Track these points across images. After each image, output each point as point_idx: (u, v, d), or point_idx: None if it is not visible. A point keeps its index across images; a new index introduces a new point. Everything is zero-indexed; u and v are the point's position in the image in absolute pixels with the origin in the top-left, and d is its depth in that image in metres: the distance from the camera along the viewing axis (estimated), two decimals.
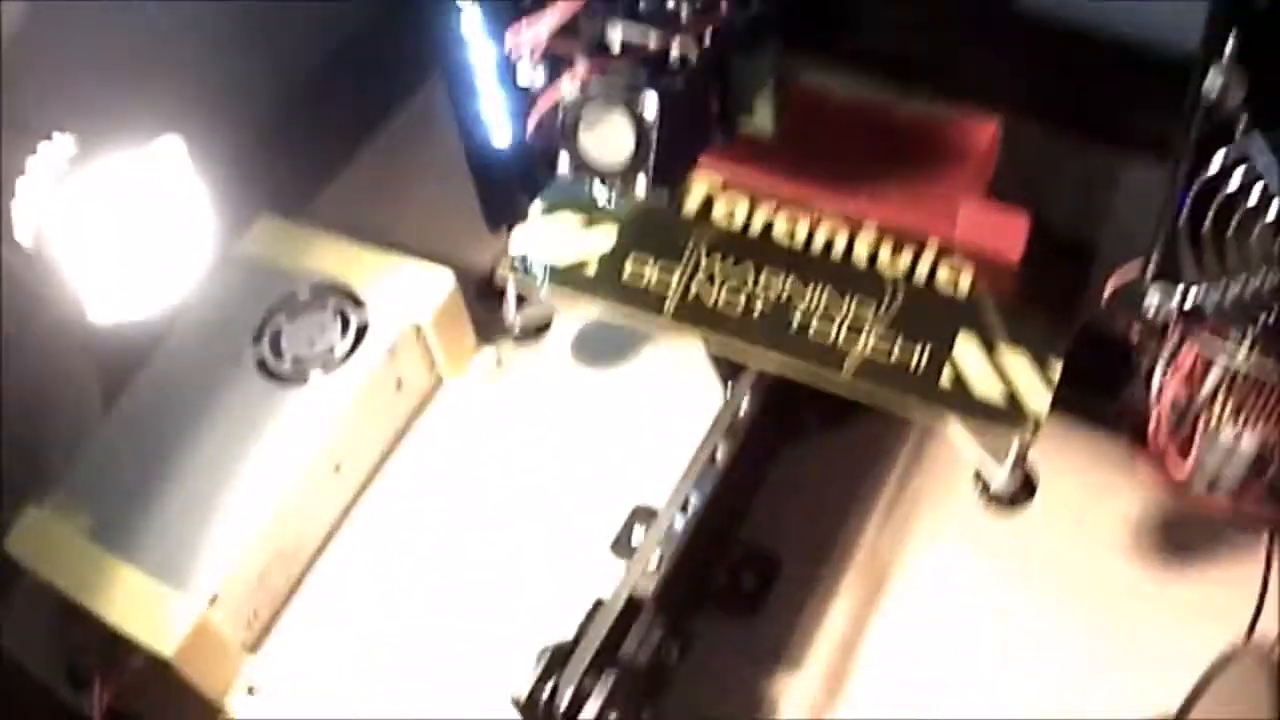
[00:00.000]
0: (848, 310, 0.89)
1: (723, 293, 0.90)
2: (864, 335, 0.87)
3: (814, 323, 0.89)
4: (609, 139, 0.78)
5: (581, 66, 0.77)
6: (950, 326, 0.87)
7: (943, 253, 0.91)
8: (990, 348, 0.86)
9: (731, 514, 0.94)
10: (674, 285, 0.91)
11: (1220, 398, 0.80)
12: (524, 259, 0.95)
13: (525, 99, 1.01)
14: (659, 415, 1.04)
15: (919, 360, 0.86)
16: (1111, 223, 0.95)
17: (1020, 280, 0.89)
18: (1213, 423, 0.82)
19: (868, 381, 0.86)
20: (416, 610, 0.96)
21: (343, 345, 1.00)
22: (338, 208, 1.19)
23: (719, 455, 0.91)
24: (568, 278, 0.94)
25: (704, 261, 0.92)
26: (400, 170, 1.22)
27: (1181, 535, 0.93)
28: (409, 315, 1.01)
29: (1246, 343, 0.73)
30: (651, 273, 0.92)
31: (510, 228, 1.04)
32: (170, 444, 0.97)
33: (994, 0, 0.88)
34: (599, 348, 1.09)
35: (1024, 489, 0.95)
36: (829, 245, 0.92)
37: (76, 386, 1.02)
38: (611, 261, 0.93)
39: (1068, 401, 0.86)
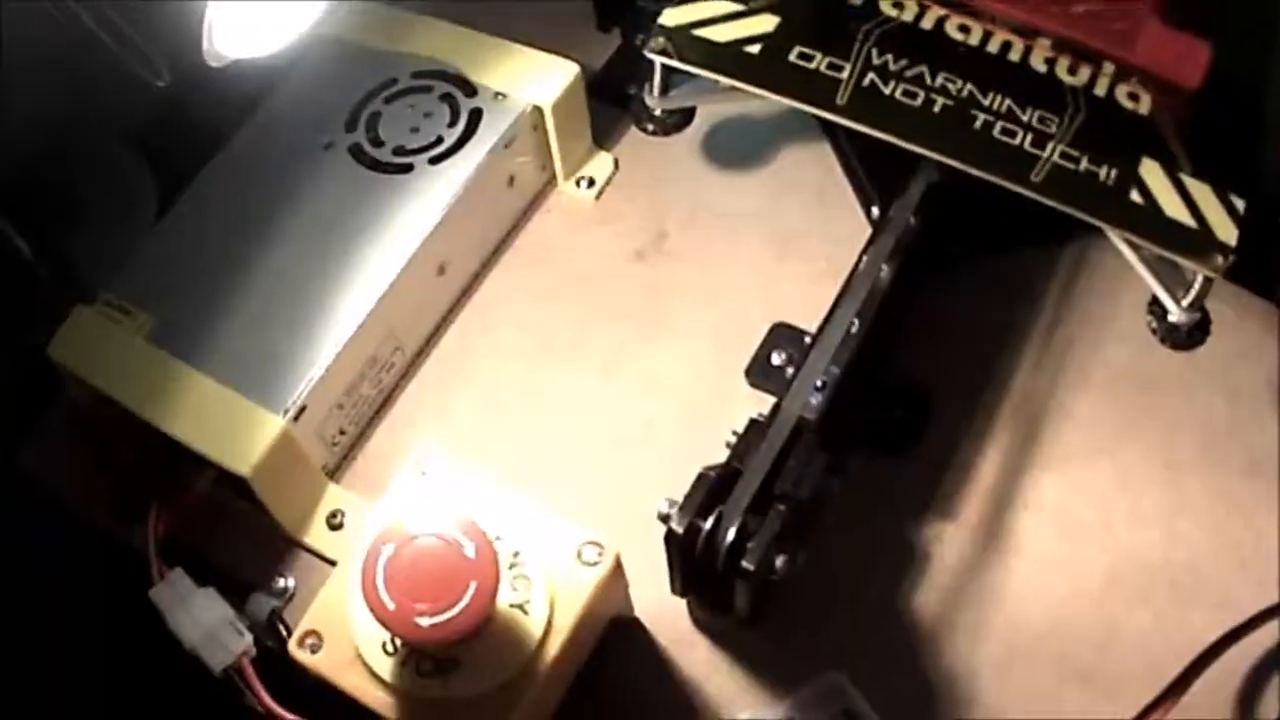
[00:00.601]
0: (1031, 117, 0.82)
1: (899, 86, 0.83)
2: (1050, 143, 0.82)
3: (998, 125, 0.82)
4: None
5: None
6: (1134, 147, 0.82)
7: (1120, 74, 0.85)
8: (1175, 174, 0.81)
9: (886, 341, 0.84)
10: (847, 75, 0.84)
11: None
12: (678, 30, 0.87)
13: None
14: (793, 232, 0.94)
15: (1107, 174, 0.81)
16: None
17: (1199, 112, 0.84)
18: None
19: (1059, 187, 0.80)
20: (521, 437, 0.87)
21: (451, 133, 0.89)
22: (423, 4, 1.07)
23: (880, 274, 0.81)
24: (727, 56, 0.85)
25: (875, 56, 0.84)
26: None
27: None
28: (530, 101, 0.90)
29: None
30: (821, 61, 0.84)
31: (625, 30, 0.94)
32: (249, 236, 0.86)
33: None
34: (728, 154, 0.99)
35: (1200, 327, 0.88)
36: (1004, 52, 0.85)
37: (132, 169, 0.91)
38: (776, 45, 0.86)
39: None
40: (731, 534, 0.70)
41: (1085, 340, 0.89)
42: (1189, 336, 0.87)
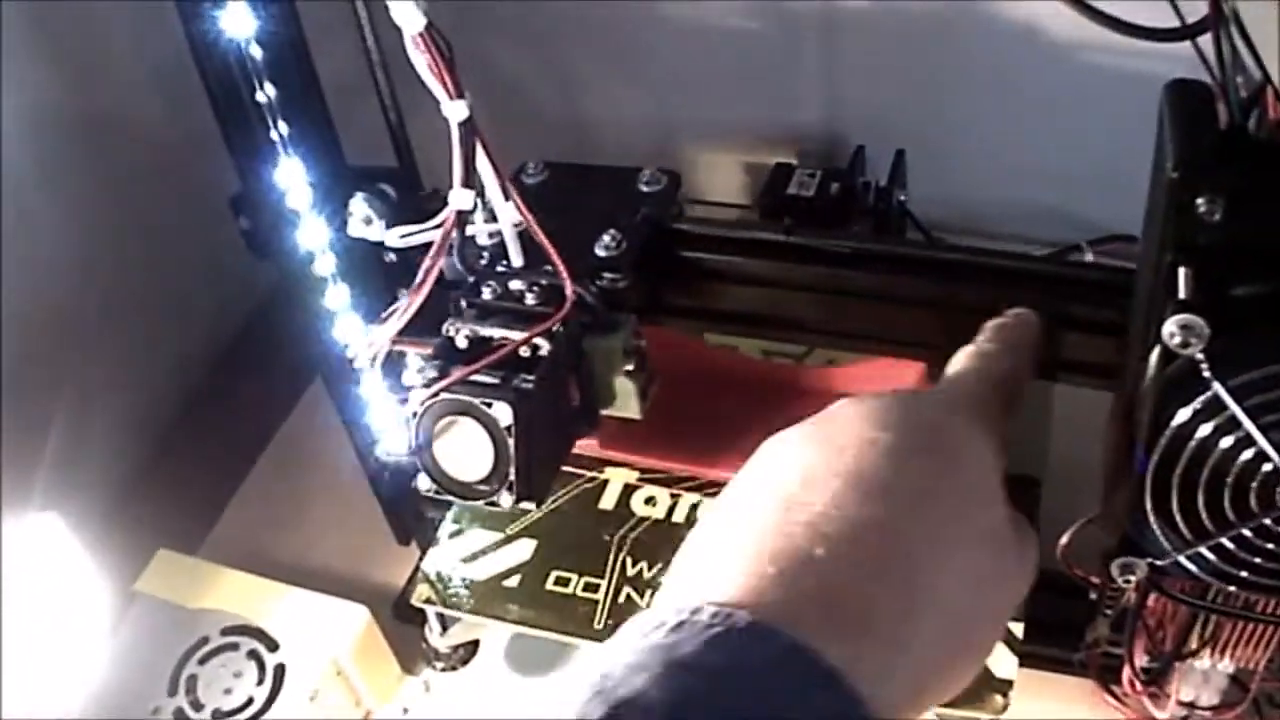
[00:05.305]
0: None
1: (653, 596, 0.84)
2: None
3: None
4: (464, 452, 0.72)
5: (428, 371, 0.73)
6: None
7: None
8: None
9: None
10: (602, 594, 0.87)
11: (1195, 637, 0.77)
12: (441, 573, 0.90)
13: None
14: None
15: None
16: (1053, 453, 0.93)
17: None
18: (1187, 661, 0.78)
19: None
20: None
21: (261, 692, 0.93)
22: (235, 535, 1.14)
23: None
24: (489, 594, 0.89)
25: (630, 566, 0.88)
26: (294, 487, 1.17)
27: None
28: (327, 654, 0.95)
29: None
30: (577, 583, 0.88)
31: (421, 541, 0.99)
32: None
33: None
34: (533, 658, 1.01)
35: None
36: None
37: None
38: (533, 573, 0.89)
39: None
40: None
41: None
42: None
